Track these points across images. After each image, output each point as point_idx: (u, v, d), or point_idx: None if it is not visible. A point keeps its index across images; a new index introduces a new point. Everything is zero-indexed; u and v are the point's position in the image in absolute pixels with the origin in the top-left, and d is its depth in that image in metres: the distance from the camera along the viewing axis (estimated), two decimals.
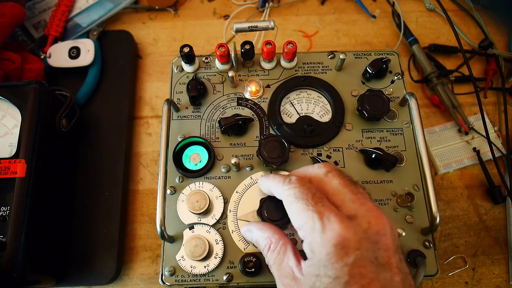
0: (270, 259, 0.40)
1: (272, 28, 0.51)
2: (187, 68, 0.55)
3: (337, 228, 0.34)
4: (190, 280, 0.46)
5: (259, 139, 0.52)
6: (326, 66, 0.56)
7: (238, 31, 0.51)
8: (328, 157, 0.51)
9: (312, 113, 0.53)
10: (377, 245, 0.34)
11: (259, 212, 0.46)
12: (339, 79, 0.55)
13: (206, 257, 0.46)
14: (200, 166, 0.50)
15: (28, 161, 0.50)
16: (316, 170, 0.40)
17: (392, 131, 0.52)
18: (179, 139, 0.51)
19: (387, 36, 0.74)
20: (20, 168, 0.50)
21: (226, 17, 0.76)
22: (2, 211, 0.48)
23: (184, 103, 0.54)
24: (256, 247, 0.43)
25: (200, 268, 0.46)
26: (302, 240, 0.37)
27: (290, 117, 0.53)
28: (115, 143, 0.65)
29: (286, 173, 0.50)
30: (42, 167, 0.52)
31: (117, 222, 0.60)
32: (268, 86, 0.55)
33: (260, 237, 0.42)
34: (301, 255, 0.38)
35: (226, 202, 0.49)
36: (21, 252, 0.47)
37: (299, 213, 0.36)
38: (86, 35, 0.72)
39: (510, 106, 0.68)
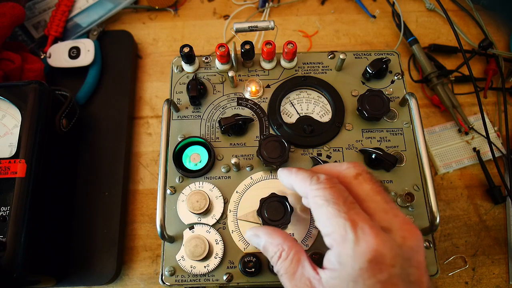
0: (281, 268, 0.36)
1: (272, 28, 0.51)
2: (187, 68, 0.55)
3: (373, 242, 0.31)
4: (190, 280, 0.46)
5: (259, 139, 0.52)
6: (326, 66, 0.56)
7: (238, 31, 0.51)
8: (328, 157, 0.51)
9: (312, 113, 0.53)
10: (410, 262, 0.32)
11: (259, 212, 0.46)
12: (339, 79, 0.55)
13: (206, 257, 0.46)
14: (200, 166, 0.50)
15: (28, 161, 0.50)
16: (344, 170, 0.37)
17: (392, 131, 0.52)
18: (179, 139, 0.51)
19: (387, 36, 0.74)
20: (20, 168, 0.50)
21: (226, 17, 0.76)
22: (2, 211, 0.48)
23: (184, 103, 0.54)
24: (262, 253, 0.40)
25: (200, 268, 0.46)
26: (327, 247, 0.34)
27: (290, 117, 0.53)
28: (115, 143, 0.65)
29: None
30: (42, 167, 0.52)
31: (117, 222, 0.60)
32: (268, 86, 0.55)
33: (269, 243, 0.38)
34: (316, 263, 0.36)
35: (226, 202, 0.49)
36: (21, 252, 0.47)
37: (328, 218, 0.33)
38: (86, 35, 0.72)
39: (510, 106, 0.68)
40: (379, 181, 0.37)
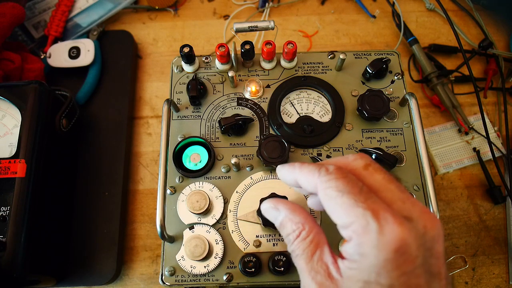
0: (297, 247, 0.34)
1: (272, 28, 0.51)
2: (187, 68, 0.55)
3: (398, 230, 0.29)
4: (190, 280, 0.46)
5: (259, 139, 0.52)
6: (326, 66, 0.56)
7: (238, 31, 0.51)
8: (328, 157, 0.51)
9: (312, 113, 0.53)
10: (430, 252, 0.30)
11: (259, 212, 0.46)
12: (339, 79, 0.55)
13: (206, 257, 0.46)
14: (200, 166, 0.50)
15: (28, 161, 0.50)
16: (352, 162, 0.34)
17: (392, 131, 0.52)
18: (179, 139, 0.51)
19: (387, 36, 0.74)
20: (20, 168, 0.50)
21: (226, 17, 0.76)
22: (2, 211, 0.48)
23: (184, 103, 0.54)
24: (277, 228, 0.37)
25: (200, 268, 0.46)
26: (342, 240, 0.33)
27: (290, 117, 0.53)
28: (115, 143, 0.65)
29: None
30: (42, 167, 0.52)
31: (117, 222, 0.60)
32: (268, 86, 0.55)
33: (289, 219, 0.35)
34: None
35: (226, 202, 0.49)
36: (21, 252, 0.47)
37: (345, 209, 0.31)
38: (86, 35, 0.72)
39: (510, 106, 0.68)
40: (388, 171, 0.35)
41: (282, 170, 0.39)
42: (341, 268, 0.31)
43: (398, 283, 0.29)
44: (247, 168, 0.50)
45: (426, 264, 0.30)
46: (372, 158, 0.49)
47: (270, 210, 0.38)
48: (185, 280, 0.46)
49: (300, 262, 0.34)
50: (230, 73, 0.52)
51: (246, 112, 0.53)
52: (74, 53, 0.68)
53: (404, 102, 0.53)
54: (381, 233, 0.29)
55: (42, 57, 0.68)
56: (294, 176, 0.36)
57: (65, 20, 0.71)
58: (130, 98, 0.68)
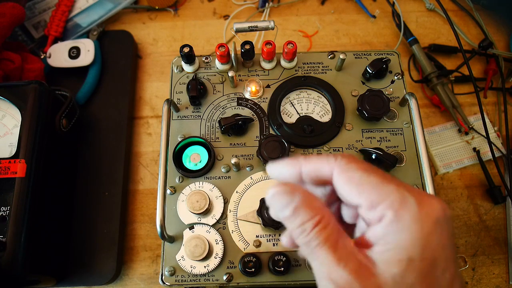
0: (318, 236, 0.30)
1: (272, 28, 0.51)
2: (187, 68, 0.55)
3: (435, 201, 0.28)
4: (190, 280, 0.46)
5: (259, 139, 0.52)
6: (326, 66, 0.56)
7: (238, 31, 0.51)
8: None
9: (312, 113, 0.53)
10: (452, 230, 0.30)
11: (259, 212, 0.46)
12: (339, 79, 0.55)
13: (206, 257, 0.46)
14: (200, 166, 0.50)
15: (28, 161, 0.50)
16: None
17: (392, 131, 0.52)
18: (179, 139, 0.51)
19: (387, 36, 0.74)
20: (20, 168, 0.50)
21: (226, 17, 0.76)
22: (2, 211, 0.48)
23: (184, 103, 0.54)
24: (285, 218, 0.32)
25: (200, 268, 0.46)
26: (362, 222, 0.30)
27: (290, 117, 0.53)
28: (115, 143, 0.65)
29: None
30: (42, 167, 0.52)
31: (117, 222, 0.60)
32: (268, 86, 0.55)
33: (307, 205, 0.31)
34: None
35: (226, 202, 0.49)
36: (21, 252, 0.47)
37: (374, 186, 0.29)
38: (86, 35, 0.72)
39: (510, 106, 0.68)
40: None
41: (280, 165, 0.34)
42: (370, 254, 0.29)
43: (441, 257, 0.28)
44: (247, 168, 0.50)
45: (453, 241, 0.30)
46: (372, 158, 0.49)
47: (283, 195, 0.32)
48: (185, 280, 0.46)
49: (323, 252, 0.30)
50: (230, 73, 0.52)
51: (246, 112, 0.53)
52: (74, 53, 0.68)
53: (404, 102, 0.53)
54: (421, 205, 0.28)
55: (42, 57, 0.68)
56: (298, 168, 0.33)
57: (65, 20, 0.71)
58: (130, 98, 0.68)
